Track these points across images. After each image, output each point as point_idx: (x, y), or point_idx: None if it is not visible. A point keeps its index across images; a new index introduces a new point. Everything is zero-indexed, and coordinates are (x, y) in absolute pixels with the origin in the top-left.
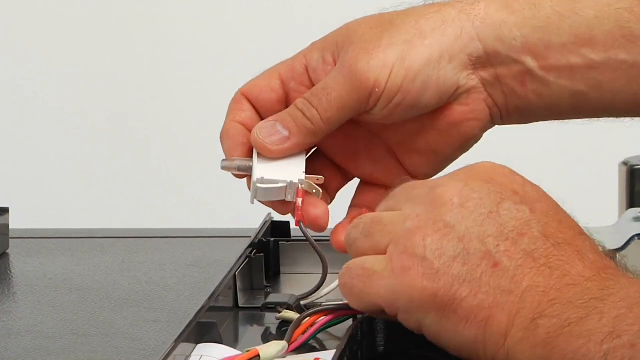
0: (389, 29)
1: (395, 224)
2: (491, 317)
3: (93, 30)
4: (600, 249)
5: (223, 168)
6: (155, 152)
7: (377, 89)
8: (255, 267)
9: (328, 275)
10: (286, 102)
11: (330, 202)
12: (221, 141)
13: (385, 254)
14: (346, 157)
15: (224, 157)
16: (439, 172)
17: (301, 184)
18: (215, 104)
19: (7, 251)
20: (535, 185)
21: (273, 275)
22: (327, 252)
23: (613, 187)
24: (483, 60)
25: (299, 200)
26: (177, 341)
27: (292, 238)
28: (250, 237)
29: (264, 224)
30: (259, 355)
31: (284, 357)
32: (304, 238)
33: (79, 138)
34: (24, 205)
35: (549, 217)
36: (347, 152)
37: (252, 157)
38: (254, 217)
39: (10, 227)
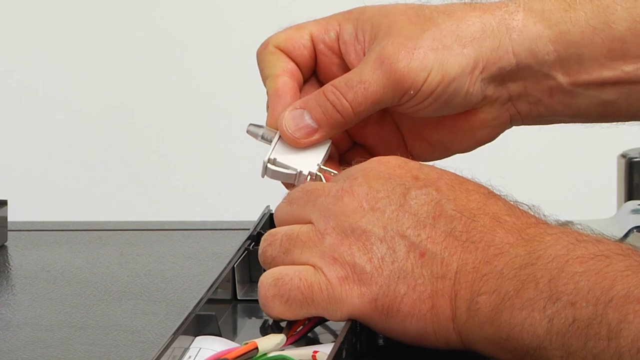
0: (429, 28)
1: (314, 241)
2: (434, 307)
3: (91, 24)
4: (513, 202)
5: (248, 132)
6: (155, 146)
7: (412, 91)
8: (254, 259)
9: None
10: (313, 62)
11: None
12: (271, 96)
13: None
14: (356, 125)
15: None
16: (440, 159)
17: (310, 177)
18: (215, 98)
19: (5, 244)
20: (431, 165)
21: None
22: None
23: (611, 180)
24: (513, 74)
25: None
26: (176, 334)
27: None
28: (248, 229)
29: (263, 216)
30: (257, 348)
31: (282, 349)
32: None
33: (77, 131)
34: (23, 198)
35: (455, 190)
36: (359, 122)
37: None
38: (252, 212)
39: (9, 219)
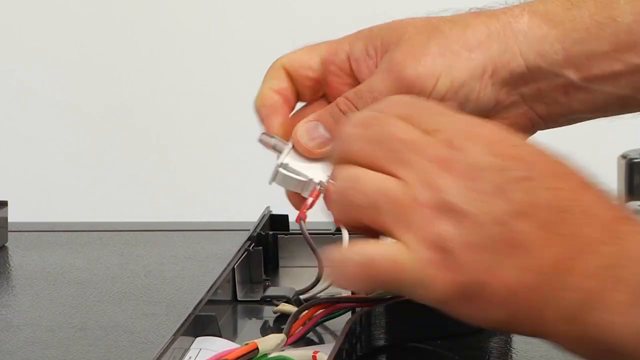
0: (436, 36)
1: (407, 211)
2: (520, 299)
3: (91, 24)
4: (605, 195)
5: (260, 141)
6: (155, 146)
7: (421, 97)
8: (254, 260)
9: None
10: (322, 83)
11: None
12: (257, 109)
13: (383, 172)
14: None
15: (263, 130)
16: None
17: (320, 186)
18: (215, 98)
19: (5, 244)
20: (530, 144)
21: (272, 268)
22: (325, 246)
23: (612, 180)
24: (525, 77)
25: (310, 200)
26: (176, 334)
27: (291, 231)
28: (249, 230)
29: (263, 217)
30: (257, 349)
31: (282, 350)
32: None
33: (77, 131)
34: (23, 199)
35: (551, 177)
36: None
37: (287, 131)
38: (252, 213)
39: (9, 220)
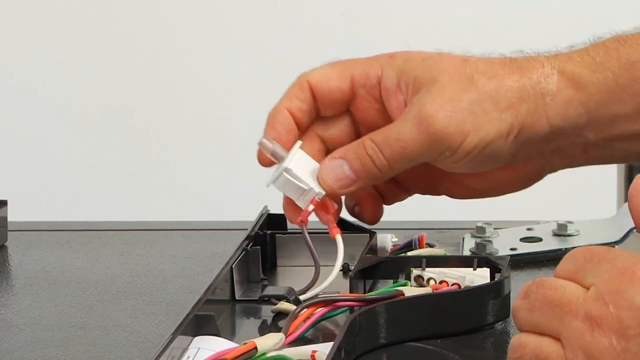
0: (469, 90)
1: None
2: None
3: (91, 24)
4: None
5: (260, 144)
6: (155, 146)
7: (448, 152)
8: (252, 259)
9: (323, 269)
10: (348, 102)
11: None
12: (268, 124)
13: (544, 335)
14: None
15: (264, 136)
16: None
17: (318, 197)
18: (215, 98)
19: (5, 244)
20: None
21: (269, 267)
22: (324, 245)
23: (611, 180)
24: (547, 137)
25: (311, 207)
26: (175, 333)
27: (289, 231)
28: (247, 229)
29: (261, 216)
30: (256, 348)
31: (281, 349)
32: (301, 231)
33: (77, 131)
34: (23, 198)
35: None
36: None
37: (289, 148)
38: (251, 212)
39: (9, 219)
